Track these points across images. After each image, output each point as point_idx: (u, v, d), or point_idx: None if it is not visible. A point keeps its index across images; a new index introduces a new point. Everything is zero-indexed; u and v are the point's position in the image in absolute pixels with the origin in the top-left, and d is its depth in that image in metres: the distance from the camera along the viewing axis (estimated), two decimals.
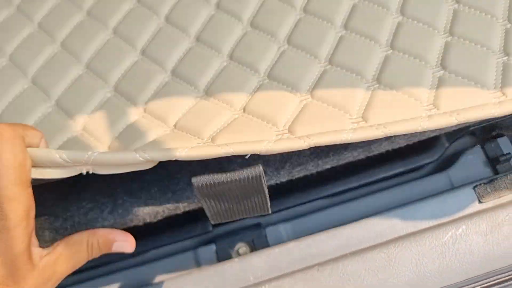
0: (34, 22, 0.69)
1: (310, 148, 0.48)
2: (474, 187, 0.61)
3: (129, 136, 0.54)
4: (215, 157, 0.47)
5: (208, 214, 0.53)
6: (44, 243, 0.60)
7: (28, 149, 0.45)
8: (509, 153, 0.63)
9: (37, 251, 0.41)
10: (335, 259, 0.60)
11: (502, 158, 0.63)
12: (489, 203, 0.61)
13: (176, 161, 0.48)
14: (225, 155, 0.47)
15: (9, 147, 0.40)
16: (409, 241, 0.59)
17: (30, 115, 0.59)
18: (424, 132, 0.59)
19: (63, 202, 0.62)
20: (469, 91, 0.49)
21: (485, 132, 0.67)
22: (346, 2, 0.61)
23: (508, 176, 0.61)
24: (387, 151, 0.62)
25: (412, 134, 0.60)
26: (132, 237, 0.48)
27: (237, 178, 0.47)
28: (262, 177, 0.47)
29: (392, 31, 0.57)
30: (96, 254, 0.45)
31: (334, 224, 0.63)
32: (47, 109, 0.59)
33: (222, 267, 0.61)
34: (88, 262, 0.45)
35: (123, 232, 0.47)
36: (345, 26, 0.59)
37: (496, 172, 0.64)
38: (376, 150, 0.61)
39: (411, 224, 0.61)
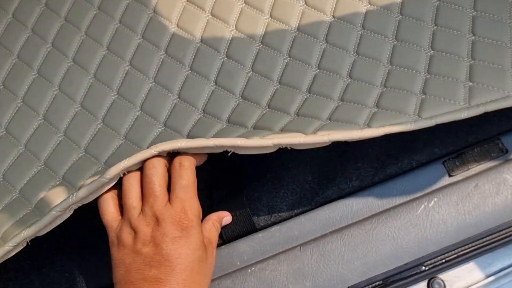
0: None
1: None
2: (443, 162, 0.65)
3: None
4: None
5: None
6: None
7: None
8: None
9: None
10: (316, 239, 0.62)
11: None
12: (458, 176, 0.64)
13: None
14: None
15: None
16: (385, 217, 0.62)
17: None
18: None
19: None
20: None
21: None
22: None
23: (475, 149, 0.64)
24: None
25: None
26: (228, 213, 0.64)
27: None
28: None
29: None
30: (219, 228, 0.62)
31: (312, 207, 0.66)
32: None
33: None
34: None
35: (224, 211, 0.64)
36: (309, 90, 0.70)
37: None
38: None
39: (385, 201, 0.64)
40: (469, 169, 0.64)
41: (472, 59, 0.65)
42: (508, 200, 0.61)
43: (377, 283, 0.59)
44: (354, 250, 0.61)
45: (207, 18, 0.80)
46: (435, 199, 0.62)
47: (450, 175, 0.64)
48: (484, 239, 0.60)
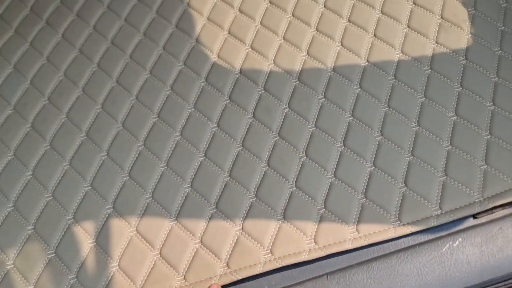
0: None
1: None
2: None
3: None
4: None
5: None
6: None
7: None
8: None
9: None
10: (343, 269, 0.65)
11: None
12: (483, 219, 0.66)
13: None
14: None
15: None
16: (410, 253, 0.64)
17: None
18: None
19: None
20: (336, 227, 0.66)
21: None
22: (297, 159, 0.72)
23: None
24: None
25: None
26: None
27: None
28: None
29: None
30: None
31: None
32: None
33: None
34: None
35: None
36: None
37: None
38: None
39: (411, 237, 0.66)
40: (493, 212, 0.66)
41: (490, 134, 0.70)
42: None
43: None
44: (380, 282, 0.63)
45: (247, 51, 0.85)
46: (460, 239, 0.64)
47: (475, 217, 0.66)
48: (507, 282, 0.62)
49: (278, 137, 0.76)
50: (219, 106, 0.80)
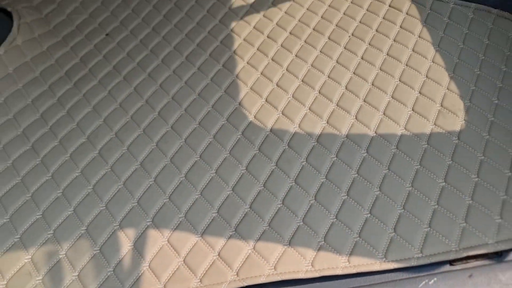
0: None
1: None
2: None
3: None
4: None
5: None
6: None
7: None
8: None
9: None
10: None
11: None
12: (457, 266, 0.77)
13: None
14: None
15: None
16: (392, 285, 0.76)
17: None
18: None
19: None
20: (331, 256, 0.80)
21: None
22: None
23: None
24: None
25: None
26: None
27: None
28: None
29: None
30: None
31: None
32: None
33: None
34: None
35: None
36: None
37: None
38: None
39: (394, 274, 0.78)
40: (467, 262, 0.77)
41: (472, 200, 0.84)
42: None
43: None
44: None
45: (278, 115, 1.05)
46: (435, 279, 0.75)
47: (451, 264, 0.78)
48: None
49: (294, 183, 0.92)
50: (250, 154, 0.98)
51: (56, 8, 1.36)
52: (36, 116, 1.10)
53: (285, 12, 1.26)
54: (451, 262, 0.78)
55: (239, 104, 1.08)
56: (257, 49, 1.18)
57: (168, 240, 0.87)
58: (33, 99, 1.14)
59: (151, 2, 1.35)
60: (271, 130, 1.02)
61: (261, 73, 1.12)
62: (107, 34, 1.28)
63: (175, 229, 0.88)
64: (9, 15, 1.29)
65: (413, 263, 0.77)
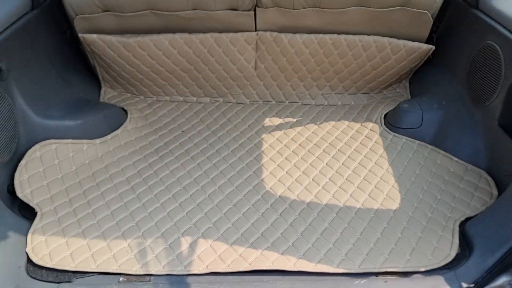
0: None
1: None
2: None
3: None
4: None
5: None
6: None
7: None
8: None
9: None
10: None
11: None
12: (380, 276, 1.32)
13: None
14: None
15: None
16: (343, 281, 1.30)
17: None
18: None
19: None
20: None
21: None
22: None
23: None
24: None
25: None
26: None
27: None
28: None
29: None
30: None
31: None
32: None
33: None
34: None
35: None
36: None
37: None
38: None
39: (342, 278, 1.33)
40: (386, 275, 1.32)
41: (401, 234, 1.43)
42: None
43: None
44: None
45: (284, 189, 1.68)
46: (365, 281, 1.30)
47: (376, 275, 1.32)
48: None
49: (289, 226, 1.51)
50: (264, 208, 1.59)
51: (151, 112, 2.11)
52: (134, 171, 1.76)
53: (291, 139, 1.96)
54: (376, 274, 1.33)
55: (262, 180, 1.72)
56: (270, 158, 1.86)
57: (210, 245, 1.44)
58: (134, 161, 1.80)
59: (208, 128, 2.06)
60: (279, 196, 1.64)
61: (277, 165, 1.79)
62: (182, 131, 2.00)
63: (215, 240, 1.46)
64: (125, 111, 2.04)
65: (354, 271, 1.32)
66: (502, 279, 1.31)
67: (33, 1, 1.81)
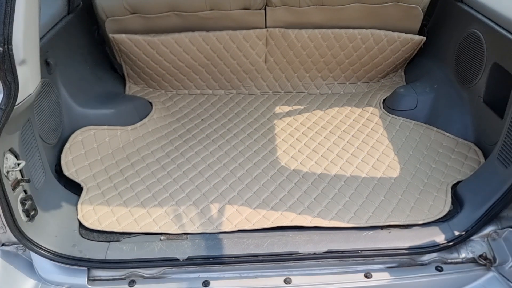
0: None
1: None
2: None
3: None
4: None
5: None
6: None
7: None
8: None
9: None
10: None
11: None
12: (385, 229, 1.54)
13: None
14: None
15: None
16: (353, 232, 1.52)
17: None
18: None
19: None
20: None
21: None
22: None
23: None
24: None
25: None
26: None
27: None
28: None
29: None
30: None
31: None
32: None
33: None
34: None
35: None
36: None
37: None
38: None
39: (351, 231, 1.55)
40: (390, 228, 1.54)
41: (401, 196, 1.66)
42: None
43: None
44: None
45: (297, 164, 1.90)
46: (371, 232, 1.52)
47: (381, 228, 1.54)
48: None
49: (295, 186, 1.74)
50: (279, 178, 1.82)
51: (172, 104, 2.34)
52: (162, 153, 1.98)
53: (300, 123, 2.19)
54: (381, 227, 1.55)
55: (276, 157, 1.94)
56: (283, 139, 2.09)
57: (236, 209, 1.66)
58: (162, 145, 2.03)
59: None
60: (293, 170, 1.86)
61: (290, 145, 2.01)
62: (202, 119, 2.22)
63: (240, 205, 1.67)
64: (150, 103, 2.27)
65: (362, 225, 1.54)
66: (489, 228, 1.54)
67: (69, 6, 2.05)
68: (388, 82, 2.45)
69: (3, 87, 1.23)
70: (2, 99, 1.24)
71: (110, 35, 2.18)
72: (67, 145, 1.84)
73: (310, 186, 1.76)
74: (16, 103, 1.27)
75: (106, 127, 1.97)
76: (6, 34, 1.17)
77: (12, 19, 1.18)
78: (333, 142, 2.02)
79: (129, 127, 2.04)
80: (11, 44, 1.19)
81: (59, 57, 1.88)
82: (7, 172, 1.35)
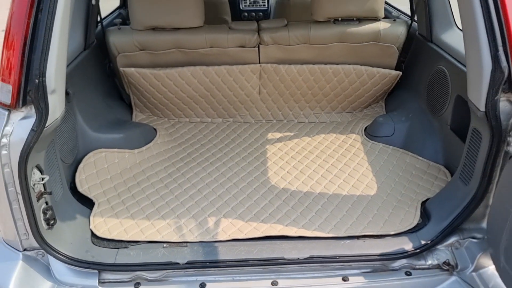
0: None
1: None
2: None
3: None
4: None
5: None
6: None
7: None
8: None
9: None
10: None
11: None
12: (361, 238, 1.75)
13: None
14: None
15: None
16: (332, 242, 1.73)
17: None
18: None
19: None
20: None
21: None
22: None
23: None
24: None
25: None
26: None
27: None
28: None
29: None
30: None
31: None
32: None
33: None
34: None
35: None
36: None
37: None
38: None
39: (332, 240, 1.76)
40: (365, 238, 1.76)
41: (377, 211, 1.88)
42: None
43: None
44: None
45: (286, 183, 2.13)
46: (348, 241, 1.73)
47: (358, 238, 1.76)
48: None
49: (283, 202, 1.96)
50: (266, 194, 2.04)
51: (175, 130, 2.58)
52: (165, 174, 2.21)
53: (290, 148, 2.43)
54: (357, 237, 1.76)
55: (267, 177, 2.17)
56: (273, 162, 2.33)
57: (230, 222, 1.87)
58: (165, 166, 2.26)
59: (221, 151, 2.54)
60: (282, 188, 2.09)
61: (279, 167, 2.25)
62: (201, 144, 2.46)
63: (234, 218, 1.89)
64: (155, 130, 2.51)
65: (340, 235, 1.75)
66: (452, 239, 1.75)
67: (85, 44, 2.33)
68: (370, 112, 2.71)
69: (36, 112, 1.48)
70: (35, 122, 1.48)
71: (120, 68, 2.45)
72: (81, 165, 2.07)
73: (296, 202, 1.98)
74: (46, 126, 1.51)
75: (115, 150, 2.21)
76: (41, 68, 1.43)
77: (47, 56, 1.44)
78: (318, 165, 2.25)
79: (136, 151, 2.28)
80: (45, 76, 1.45)
81: (76, 87, 2.14)
82: (34, 185, 1.57)
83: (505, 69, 1.47)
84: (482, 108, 1.56)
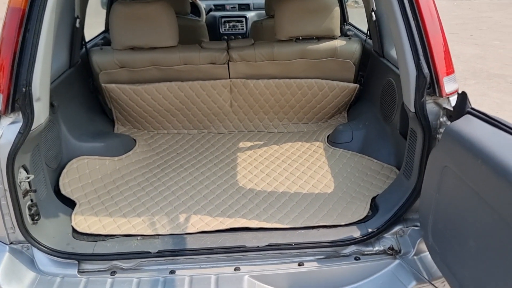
0: None
1: None
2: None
3: None
4: None
5: None
6: None
7: None
8: None
9: None
10: None
11: None
12: (319, 228, 1.96)
13: None
14: None
15: None
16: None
17: None
18: None
19: None
20: None
21: None
22: None
23: None
24: None
25: None
26: None
27: None
28: None
29: None
30: None
31: None
32: None
33: None
34: None
35: None
36: None
37: None
38: None
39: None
40: (319, 228, 1.97)
41: (331, 206, 2.09)
42: None
43: None
44: None
45: (245, 182, 2.34)
46: (303, 231, 1.94)
47: (314, 228, 1.96)
48: None
49: (247, 200, 2.16)
50: (234, 193, 2.25)
51: (153, 141, 2.80)
52: (142, 178, 2.41)
53: (259, 155, 2.66)
54: (312, 228, 1.97)
55: (236, 180, 2.38)
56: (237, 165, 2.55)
57: (199, 217, 2.07)
58: (143, 172, 2.46)
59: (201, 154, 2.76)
60: (248, 189, 2.29)
61: (248, 171, 2.46)
62: (177, 153, 2.68)
63: (203, 215, 2.09)
64: (134, 140, 2.73)
65: (297, 226, 1.96)
66: (397, 227, 1.96)
67: (70, 62, 2.57)
68: (333, 122, 2.95)
69: (22, 117, 1.70)
70: (22, 125, 1.69)
71: (102, 84, 2.68)
72: (64, 170, 2.27)
73: (260, 200, 2.19)
74: (31, 130, 1.72)
75: (97, 157, 2.41)
76: (28, 79, 1.65)
77: (33, 68, 1.66)
78: (283, 168, 2.47)
79: (116, 158, 2.48)
80: (31, 86, 1.67)
81: (61, 100, 2.36)
82: (20, 183, 1.77)
83: (427, 75, 1.73)
84: (412, 109, 1.81)
